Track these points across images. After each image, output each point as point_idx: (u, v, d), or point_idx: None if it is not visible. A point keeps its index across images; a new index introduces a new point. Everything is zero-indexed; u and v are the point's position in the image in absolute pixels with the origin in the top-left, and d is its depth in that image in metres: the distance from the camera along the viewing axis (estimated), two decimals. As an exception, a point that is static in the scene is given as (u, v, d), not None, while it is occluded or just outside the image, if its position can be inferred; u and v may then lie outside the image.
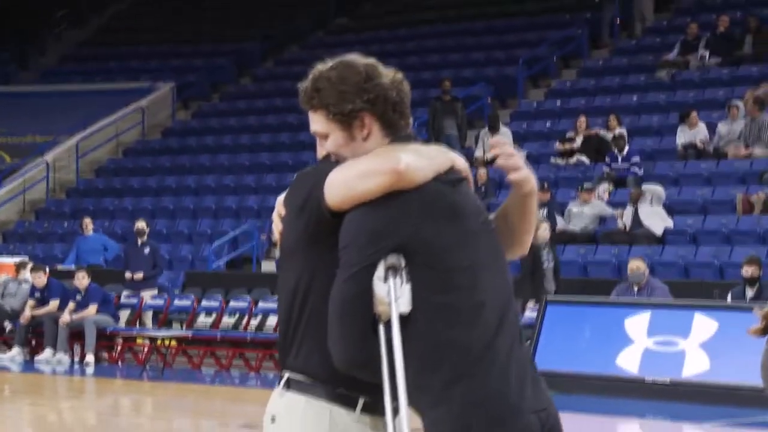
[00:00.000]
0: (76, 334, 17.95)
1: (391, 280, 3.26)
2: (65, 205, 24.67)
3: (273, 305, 17.86)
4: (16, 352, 18.29)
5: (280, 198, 3.53)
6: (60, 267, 20.43)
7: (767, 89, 19.65)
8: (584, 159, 20.25)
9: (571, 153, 20.49)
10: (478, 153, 20.84)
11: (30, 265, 19.00)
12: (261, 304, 18.01)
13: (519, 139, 21.67)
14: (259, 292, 18.75)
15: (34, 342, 18.55)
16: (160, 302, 18.77)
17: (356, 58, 3.45)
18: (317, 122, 3.43)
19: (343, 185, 3.30)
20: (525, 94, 23.88)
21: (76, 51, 31.80)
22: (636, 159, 19.29)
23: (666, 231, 17.73)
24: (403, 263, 3.27)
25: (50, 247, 22.75)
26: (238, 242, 21.43)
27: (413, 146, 3.42)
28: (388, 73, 3.43)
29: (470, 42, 26.00)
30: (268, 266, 20.99)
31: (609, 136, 20.14)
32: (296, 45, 28.80)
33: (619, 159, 19.43)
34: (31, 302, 18.39)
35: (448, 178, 3.42)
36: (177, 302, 18.72)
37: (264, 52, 28.48)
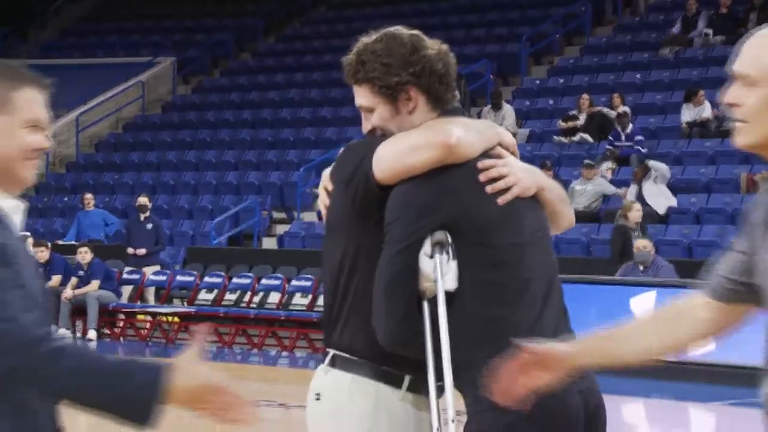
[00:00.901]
0: (79, 310, 17.89)
1: (437, 257, 3.25)
2: (65, 179, 24.59)
3: (275, 282, 17.84)
4: (17, 327, 18.24)
5: (326, 172, 3.49)
6: (61, 242, 20.36)
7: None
8: (587, 137, 20.21)
9: (574, 131, 20.45)
10: (481, 130, 20.80)
11: (31, 241, 18.94)
12: (263, 281, 17.97)
13: (521, 117, 21.64)
14: (261, 269, 18.70)
15: (36, 317, 18.53)
16: (162, 278, 18.71)
17: (401, 29, 3.41)
18: (362, 96, 3.38)
19: (393, 158, 3.27)
20: (528, 71, 23.80)
21: (76, 25, 31.68)
22: (639, 137, 19.25)
23: (669, 210, 17.72)
24: (449, 239, 3.25)
25: (51, 221, 22.71)
26: (239, 218, 21.38)
27: (463, 120, 3.39)
28: (433, 45, 3.38)
29: (473, 18, 25.91)
30: (269, 243, 20.96)
31: (612, 114, 20.09)
32: (298, 20, 28.70)
33: (623, 137, 19.39)
34: (33, 277, 18.34)
35: (496, 154, 3.40)
36: (179, 278, 18.67)
37: (265, 27, 28.37)
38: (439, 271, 3.23)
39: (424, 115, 3.34)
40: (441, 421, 3.26)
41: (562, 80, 22.82)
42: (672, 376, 12.98)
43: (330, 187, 3.41)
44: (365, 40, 3.40)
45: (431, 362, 3.21)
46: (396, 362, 3.32)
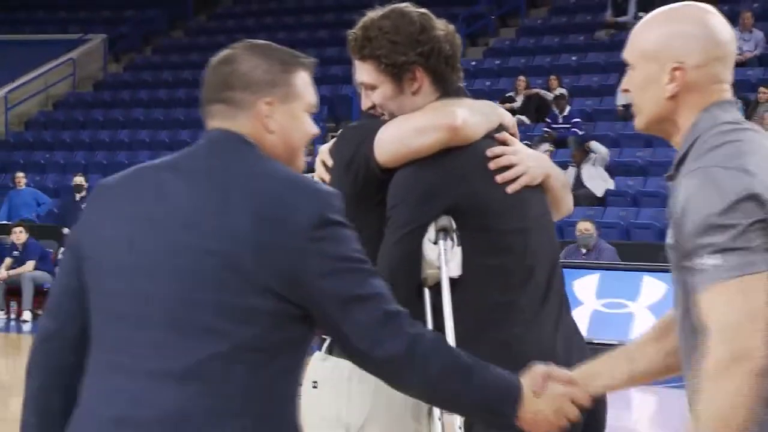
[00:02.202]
0: (13, 291, 17.69)
1: (441, 243, 3.21)
2: (-6, 158, 24.29)
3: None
4: (-51, 308, 18.03)
5: (324, 147, 3.45)
6: (-10, 222, 20.11)
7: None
8: (525, 119, 20.28)
9: (511, 113, 20.43)
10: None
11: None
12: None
13: (458, 98, 21.64)
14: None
15: (-33, 298, 18.30)
16: (98, 258, 18.54)
17: (410, 6, 3.34)
18: (366, 72, 3.31)
19: (397, 140, 3.24)
20: (464, 52, 23.64)
21: (2, 1, 31.19)
22: (577, 120, 19.36)
23: (607, 192, 17.84)
24: (454, 225, 3.22)
25: (-21, 200, 22.40)
26: (173, 198, 21.18)
27: (467, 101, 3.36)
28: (441, 26, 3.34)
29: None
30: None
31: (549, 96, 20.19)
32: (229, -2, 28.56)
33: (560, 119, 19.49)
34: (-37, 258, 18.13)
35: (502, 139, 3.37)
36: (116, 258, 18.51)
37: (196, 4, 28.15)
38: (443, 257, 3.20)
39: (427, 97, 3.30)
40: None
41: (498, 62, 22.87)
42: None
43: (329, 162, 3.38)
44: (372, 15, 3.31)
45: None
46: None
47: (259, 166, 2.52)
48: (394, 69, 3.27)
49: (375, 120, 3.34)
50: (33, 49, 26.60)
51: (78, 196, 18.79)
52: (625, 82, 2.69)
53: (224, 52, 2.65)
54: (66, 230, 18.54)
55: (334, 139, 3.42)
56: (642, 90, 2.64)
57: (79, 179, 18.99)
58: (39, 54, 26.34)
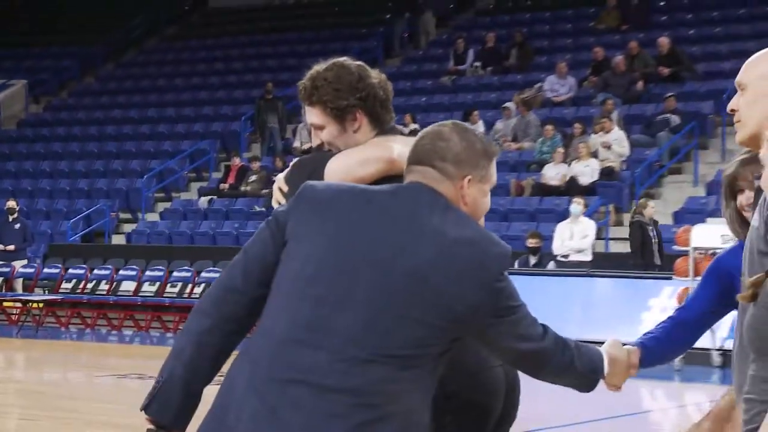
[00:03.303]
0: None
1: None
2: (-70, 185, 23.83)
3: (130, 272, 17.76)
4: None
5: (281, 176, 3.51)
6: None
7: (532, 93, 20.43)
8: (385, 149, 20.67)
9: (374, 144, 20.84)
10: (296, 143, 21.10)
11: None
12: (123, 272, 17.88)
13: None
14: (115, 261, 18.59)
15: None
16: (30, 270, 18.39)
17: (348, 60, 3.39)
18: (315, 115, 3.36)
19: (344, 170, 3.26)
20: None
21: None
22: (428, 150, 19.76)
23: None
24: None
25: None
26: (91, 219, 21.15)
27: (401, 138, 3.41)
28: (375, 74, 3.39)
29: (285, 50, 26.16)
30: (119, 239, 20.81)
31: (406, 130, 20.45)
32: (134, 50, 28.40)
33: (414, 149, 19.90)
34: None
35: None
36: (45, 270, 18.39)
37: (105, 54, 27.99)
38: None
39: (366, 134, 3.34)
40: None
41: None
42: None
43: (285, 188, 3.42)
44: (318, 67, 3.37)
45: None
46: None
47: (461, 216, 2.72)
48: (338, 112, 3.31)
49: (323, 153, 3.41)
50: (-38, 93, 26.18)
51: (11, 218, 18.61)
52: (733, 103, 2.71)
53: (437, 128, 2.80)
54: (0, 246, 18.44)
55: (289, 168, 3.50)
56: (750, 107, 2.65)
57: (11, 203, 18.73)
58: (-32, 96, 25.93)
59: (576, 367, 2.82)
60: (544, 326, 2.78)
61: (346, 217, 2.66)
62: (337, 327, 2.57)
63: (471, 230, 2.68)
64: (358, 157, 3.30)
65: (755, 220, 2.61)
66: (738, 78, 2.70)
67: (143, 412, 2.69)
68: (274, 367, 2.58)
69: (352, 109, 3.31)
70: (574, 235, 15.14)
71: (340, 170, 3.31)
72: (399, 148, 3.28)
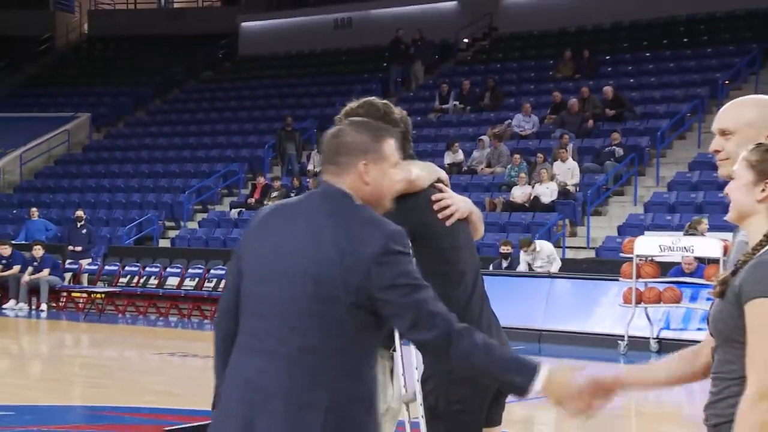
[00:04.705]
0: (34, 290, 17.37)
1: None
2: (14, 198, 23.76)
3: (175, 270, 17.68)
4: (-11, 303, 17.60)
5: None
6: (14, 242, 19.67)
7: (502, 128, 20.50)
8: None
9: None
10: (310, 167, 21.06)
11: (-3, 241, 18.30)
12: (169, 269, 17.80)
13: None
14: (162, 261, 18.53)
15: (1, 295, 17.81)
16: (94, 267, 18.31)
17: (376, 99, 3.36)
18: None
19: None
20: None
21: (13, 91, 30.48)
22: (418, 173, 19.69)
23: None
24: (409, 243, 3.37)
25: (4, 228, 21.92)
26: (142, 226, 21.10)
27: (418, 162, 3.42)
28: (398, 111, 3.37)
29: (301, 91, 26.17)
30: (165, 243, 20.75)
31: (399, 157, 20.50)
32: (176, 90, 28.39)
33: (407, 173, 19.82)
34: (-1, 267, 17.75)
35: (439, 188, 3.44)
36: (106, 267, 18.30)
37: (153, 94, 27.99)
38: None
39: None
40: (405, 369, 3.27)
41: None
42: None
43: None
44: (351, 105, 3.33)
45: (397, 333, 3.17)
46: None
47: (348, 209, 2.50)
48: None
49: None
50: (39, 123, 26.06)
51: (79, 224, 18.60)
52: (718, 145, 2.57)
53: (336, 128, 2.62)
54: (70, 247, 18.39)
55: None
56: (740, 148, 2.47)
57: (79, 213, 18.79)
58: (44, 126, 25.83)
59: (484, 365, 2.45)
60: (445, 315, 2.45)
61: (265, 233, 2.53)
62: (270, 331, 2.46)
63: (357, 218, 2.45)
64: None
65: (744, 235, 2.51)
66: (722, 124, 2.59)
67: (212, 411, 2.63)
68: (237, 376, 2.51)
69: None
70: (537, 259, 14.35)
71: None
72: (417, 171, 3.33)
